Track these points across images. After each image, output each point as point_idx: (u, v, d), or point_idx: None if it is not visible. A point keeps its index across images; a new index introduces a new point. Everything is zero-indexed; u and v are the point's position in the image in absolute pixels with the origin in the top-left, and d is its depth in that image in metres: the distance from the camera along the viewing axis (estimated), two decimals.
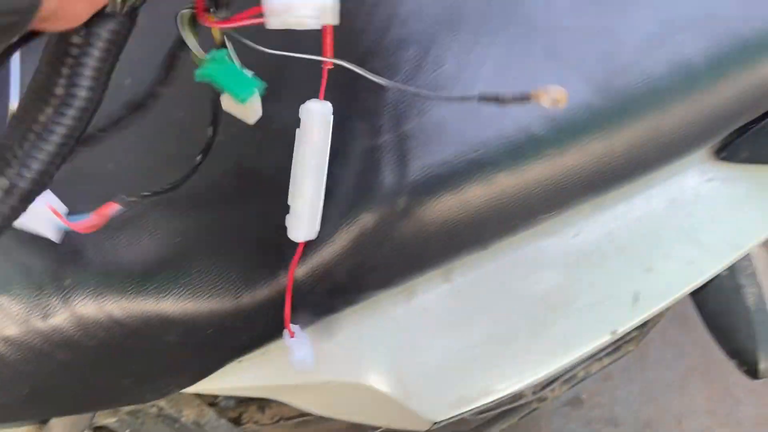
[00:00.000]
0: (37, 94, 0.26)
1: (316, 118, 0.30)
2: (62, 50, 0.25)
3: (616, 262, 0.39)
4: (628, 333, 0.74)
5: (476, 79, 0.34)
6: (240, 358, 0.41)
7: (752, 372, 0.51)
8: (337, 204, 0.35)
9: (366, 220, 0.34)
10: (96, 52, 0.25)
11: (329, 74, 0.29)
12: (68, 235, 0.39)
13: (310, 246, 0.35)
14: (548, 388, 0.71)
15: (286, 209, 0.36)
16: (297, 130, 0.31)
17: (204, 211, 0.37)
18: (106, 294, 0.37)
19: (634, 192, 0.40)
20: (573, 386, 0.73)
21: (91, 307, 0.37)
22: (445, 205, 0.34)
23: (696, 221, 0.39)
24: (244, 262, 0.36)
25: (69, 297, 0.38)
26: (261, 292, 0.36)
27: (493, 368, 0.40)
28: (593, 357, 0.72)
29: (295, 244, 0.35)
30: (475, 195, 0.34)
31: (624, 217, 0.39)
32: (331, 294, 0.37)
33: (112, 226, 0.38)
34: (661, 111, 0.34)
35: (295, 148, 0.31)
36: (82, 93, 0.25)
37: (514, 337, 0.40)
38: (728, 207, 0.40)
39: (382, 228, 0.34)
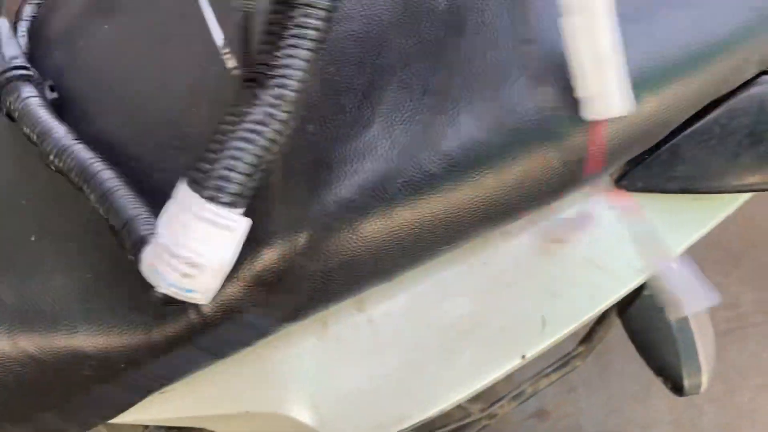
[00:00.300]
0: (282, 3, 0.26)
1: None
2: None
3: (524, 289, 0.40)
4: (575, 348, 0.75)
5: (374, 115, 0.35)
6: (162, 390, 0.42)
7: (678, 389, 0.52)
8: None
9: (268, 256, 0.35)
10: None
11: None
12: None
13: None
14: (497, 405, 0.72)
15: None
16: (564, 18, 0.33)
17: (114, 248, 0.38)
18: (19, 331, 0.38)
19: (539, 220, 0.41)
20: (522, 402, 0.74)
21: (6, 344, 0.38)
22: (344, 241, 0.35)
23: (599, 247, 0.40)
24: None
25: None
26: (171, 327, 0.37)
27: (407, 395, 0.41)
28: (540, 373, 0.73)
29: None
30: (373, 231, 0.35)
31: (530, 244, 0.41)
32: (240, 327, 0.37)
33: (23, 264, 0.39)
34: (550, 145, 0.35)
35: (566, 31, 0.33)
36: None
37: (427, 364, 0.41)
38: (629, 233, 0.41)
39: (284, 264, 0.35)
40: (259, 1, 0.27)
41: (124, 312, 0.37)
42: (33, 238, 0.39)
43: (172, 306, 0.34)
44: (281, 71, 0.26)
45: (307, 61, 0.27)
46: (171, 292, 0.29)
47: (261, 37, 0.27)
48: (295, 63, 0.26)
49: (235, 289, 0.36)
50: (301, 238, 0.35)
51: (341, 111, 0.36)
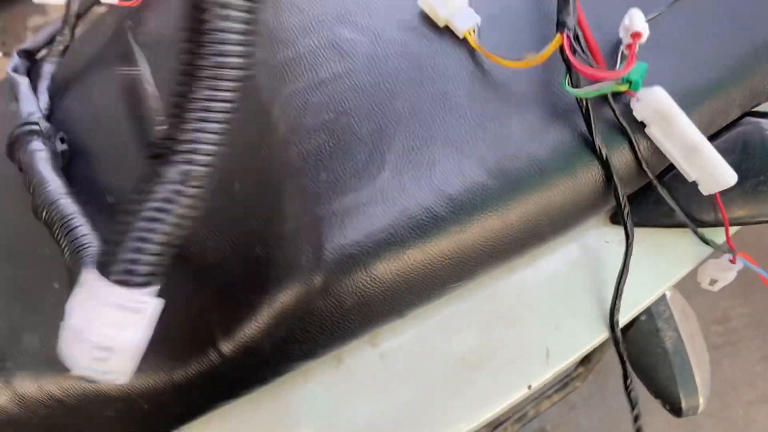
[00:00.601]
0: (186, 75, 0.24)
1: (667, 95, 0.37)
2: (199, 20, 0.24)
3: (528, 322, 0.42)
4: (575, 370, 0.77)
5: (383, 162, 0.38)
6: (179, 428, 0.43)
7: (676, 411, 0.54)
8: (259, 283, 0.37)
9: (286, 297, 0.37)
10: (239, 15, 0.24)
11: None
12: (8, 321, 0.41)
13: (235, 322, 0.37)
14: (500, 428, 0.73)
15: (217, 287, 0.38)
16: (654, 126, 0.37)
17: None
18: (44, 375, 0.39)
19: (540, 256, 0.43)
20: (525, 424, 0.75)
21: (31, 387, 0.39)
22: (359, 282, 0.37)
23: (597, 280, 0.43)
24: (176, 341, 0.38)
25: (10, 378, 0.39)
26: (193, 368, 0.38)
27: (418, 428, 0.42)
28: (542, 395, 0.75)
29: (227, 320, 0.38)
30: (385, 271, 0.37)
31: (532, 279, 0.43)
32: (259, 367, 0.39)
33: (47, 310, 0.40)
34: (549, 188, 0.38)
35: (663, 129, 0.37)
36: (232, 60, 0.24)
37: (437, 396, 0.43)
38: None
39: (302, 304, 0.37)
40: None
41: (147, 354, 0.38)
42: (56, 285, 0.40)
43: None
44: (188, 146, 0.25)
45: (217, 133, 0.25)
46: (87, 374, 0.29)
47: (168, 110, 0.26)
48: (203, 137, 0.25)
49: (254, 330, 0.37)
50: (318, 280, 0.37)
51: (352, 159, 0.38)
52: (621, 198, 0.38)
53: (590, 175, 0.38)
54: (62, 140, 0.44)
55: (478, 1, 0.41)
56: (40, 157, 0.40)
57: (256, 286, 0.37)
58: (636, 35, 0.37)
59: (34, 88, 0.46)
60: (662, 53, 0.40)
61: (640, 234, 0.42)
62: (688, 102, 0.37)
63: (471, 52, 0.40)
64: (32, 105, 0.44)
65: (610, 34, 0.41)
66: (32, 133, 0.42)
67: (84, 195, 0.44)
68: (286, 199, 0.37)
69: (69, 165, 0.44)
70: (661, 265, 0.43)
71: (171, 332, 0.39)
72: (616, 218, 0.43)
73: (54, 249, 0.42)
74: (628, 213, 0.38)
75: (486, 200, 0.37)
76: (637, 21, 0.37)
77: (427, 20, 0.41)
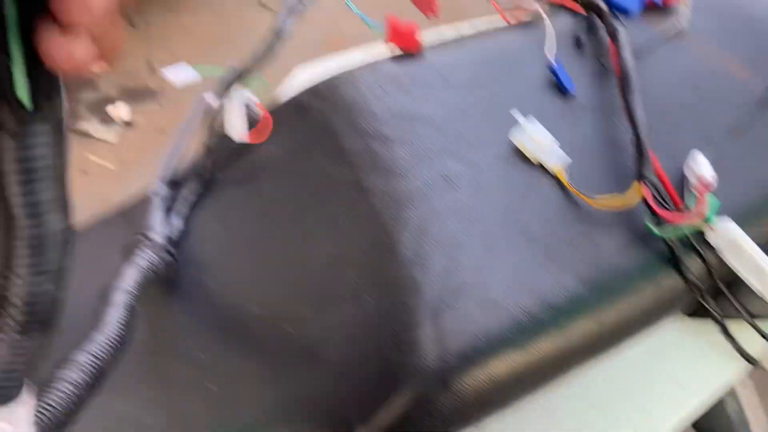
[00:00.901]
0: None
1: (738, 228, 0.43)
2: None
3: (617, 407, 0.48)
4: None
5: (492, 282, 0.44)
6: None
7: None
8: (392, 382, 0.43)
9: (415, 394, 0.43)
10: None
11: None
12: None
13: (372, 415, 0.44)
14: None
15: (356, 384, 0.45)
16: (727, 252, 0.44)
17: (283, 385, 0.46)
18: None
19: (624, 347, 0.49)
20: None
21: None
22: (475, 380, 0.43)
23: (677, 367, 0.48)
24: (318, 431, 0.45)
25: None
26: None
27: None
28: None
29: (364, 412, 0.44)
30: (497, 370, 0.43)
31: (619, 368, 0.49)
32: None
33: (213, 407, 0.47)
34: (637, 296, 0.44)
35: (735, 254, 0.44)
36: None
37: None
38: (702, 354, 0.49)
39: (428, 400, 0.43)
40: None
41: None
42: (211, 386, 0.47)
43: None
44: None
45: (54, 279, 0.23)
46: None
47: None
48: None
49: (387, 421, 0.43)
50: (442, 380, 0.43)
51: (467, 277, 0.44)
52: (720, 320, 0.44)
53: (673, 283, 0.45)
54: (169, 252, 0.51)
55: (560, 131, 0.49)
56: (135, 261, 0.47)
57: (389, 385, 0.43)
58: (707, 186, 0.44)
59: (171, 210, 0.54)
60: (724, 175, 0.46)
61: (711, 325, 0.49)
62: (750, 217, 0.44)
63: (561, 183, 0.47)
64: (154, 221, 0.52)
65: (675, 160, 0.48)
66: (143, 243, 0.49)
67: (197, 307, 0.51)
68: (411, 312, 0.44)
69: (194, 278, 0.51)
70: (734, 354, 0.49)
71: (314, 424, 0.45)
72: (692, 313, 0.49)
73: (202, 351, 0.49)
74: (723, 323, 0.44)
75: (582, 307, 0.43)
76: (704, 171, 0.44)
77: (519, 153, 0.48)
